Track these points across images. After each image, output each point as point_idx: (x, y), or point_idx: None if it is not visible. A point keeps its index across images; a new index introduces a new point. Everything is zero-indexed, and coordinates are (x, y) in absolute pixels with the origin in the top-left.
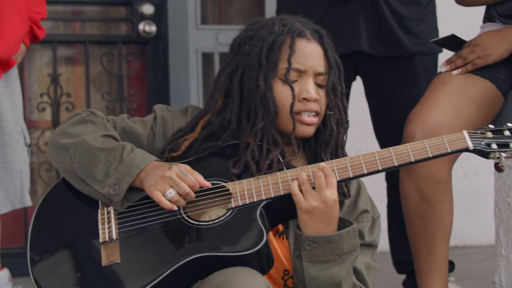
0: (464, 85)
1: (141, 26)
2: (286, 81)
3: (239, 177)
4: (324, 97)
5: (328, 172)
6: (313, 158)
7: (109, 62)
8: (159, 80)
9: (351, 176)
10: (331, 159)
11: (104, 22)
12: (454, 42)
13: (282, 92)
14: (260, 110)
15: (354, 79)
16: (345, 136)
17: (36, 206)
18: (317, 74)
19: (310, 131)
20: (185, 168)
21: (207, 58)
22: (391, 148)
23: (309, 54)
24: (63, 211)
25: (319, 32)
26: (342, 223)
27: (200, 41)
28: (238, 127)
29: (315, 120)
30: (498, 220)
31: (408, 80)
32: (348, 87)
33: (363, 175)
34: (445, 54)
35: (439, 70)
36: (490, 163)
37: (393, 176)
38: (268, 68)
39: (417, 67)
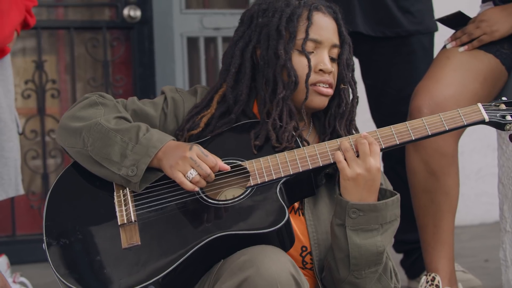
0: (468, 60)
1: (125, 11)
2: (303, 51)
3: (260, 149)
4: (336, 71)
5: (372, 140)
6: (323, 131)
7: (93, 48)
8: (144, 65)
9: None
10: (345, 131)
11: (88, 7)
12: (459, 20)
13: (298, 63)
14: (280, 80)
15: None
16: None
17: (48, 191)
18: (332, 47)
19: (324, 102)
20: (204, 149)
21: (192, 42)
22: (406, 122)
23: (325, 26)
24: (77, 195)
25: (333, 8)
26: (381, 194)
27: (185, 26)
28: (248, 98)
29: (330, 91)
30: (502, 196)
31: (405, 59)
32: None
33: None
34: (442, 32)
35: (444, 45)
36: (473, 144)
37: (391, 155)
38: (287, 39)
39: (414, 46)
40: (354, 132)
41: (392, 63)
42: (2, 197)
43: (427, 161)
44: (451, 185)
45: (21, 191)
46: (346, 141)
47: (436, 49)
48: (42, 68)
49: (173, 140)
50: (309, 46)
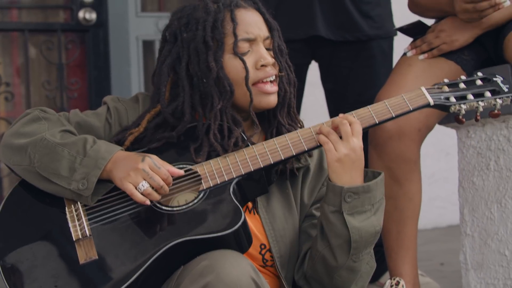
0: (429, 67)
1: (81, 14)
2: (236, 54)
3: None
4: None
5: (353, 120)
6: (269, 125)
7: (48, 50)
8: (99, 68)
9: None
10: (288, 119)
11: (42, 9)
12: (418, 29)
13: (237, 66)
14: (215, 92)
15: (309, 63)
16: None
17: None
18: (265, 39)
19: (273, 100)
20: (157, 160)
21: (147, 45)
22: (353, 112)
23: (252, 21)
24: (28, 214)
25: None
26: None
27: (141, 29)
28: (191, 117)
29: (276, 87)
30: (463, 200)
31: (365, 63)
32: (305, 72)
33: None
34: (400, 37)
35: (403, 52)
36: (426, 149)
37: None
38: (215, 48)
39: (374, 50)
40: (298, 119)
41: (352, 67)
42: None
43: (390, 167)
44: (414, 191)
45: None
46: (325, 125)
47: (395, 53)
48: None
49: (122, 150)
50: (243, 46)
